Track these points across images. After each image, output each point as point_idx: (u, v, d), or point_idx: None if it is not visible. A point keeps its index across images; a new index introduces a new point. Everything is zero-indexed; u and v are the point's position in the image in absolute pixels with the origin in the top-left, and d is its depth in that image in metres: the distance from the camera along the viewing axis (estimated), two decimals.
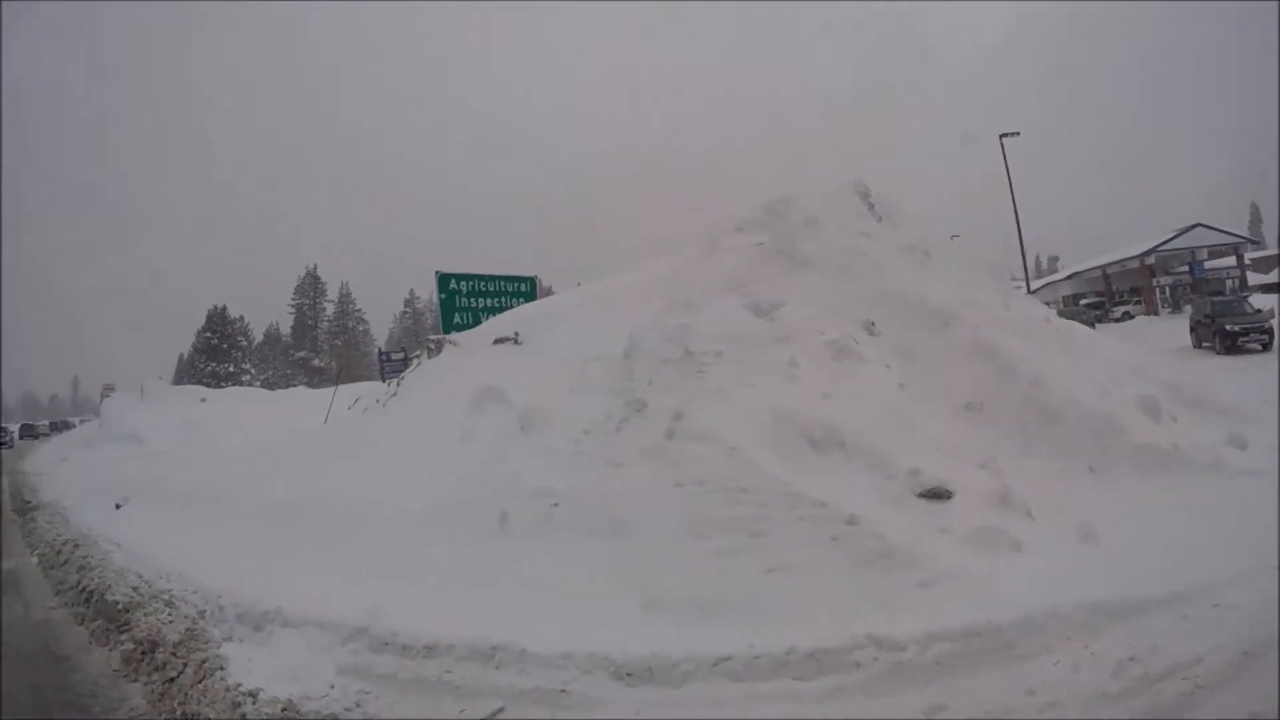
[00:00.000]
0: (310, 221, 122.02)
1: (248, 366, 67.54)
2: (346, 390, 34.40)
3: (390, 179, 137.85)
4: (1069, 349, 8.83)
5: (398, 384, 12.62)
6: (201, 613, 5.91)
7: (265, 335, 79.97)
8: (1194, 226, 45.34)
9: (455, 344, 12.71)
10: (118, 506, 11.90)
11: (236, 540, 7.73)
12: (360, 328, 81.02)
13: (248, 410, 26.43)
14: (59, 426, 53.62)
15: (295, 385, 56.07)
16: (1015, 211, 29.72)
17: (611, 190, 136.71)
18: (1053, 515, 5.52)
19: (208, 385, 39.26)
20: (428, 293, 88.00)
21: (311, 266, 77.69)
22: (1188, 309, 36.50)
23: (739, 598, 4.59)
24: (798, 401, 6.53)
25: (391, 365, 42.54)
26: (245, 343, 71.07)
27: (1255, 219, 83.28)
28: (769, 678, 3.92)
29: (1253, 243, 53.73)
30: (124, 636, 5.62)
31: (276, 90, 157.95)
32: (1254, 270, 48.06)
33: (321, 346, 76.42)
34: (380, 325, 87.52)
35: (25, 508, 13.14)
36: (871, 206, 11.22)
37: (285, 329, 79.47)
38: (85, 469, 18.31)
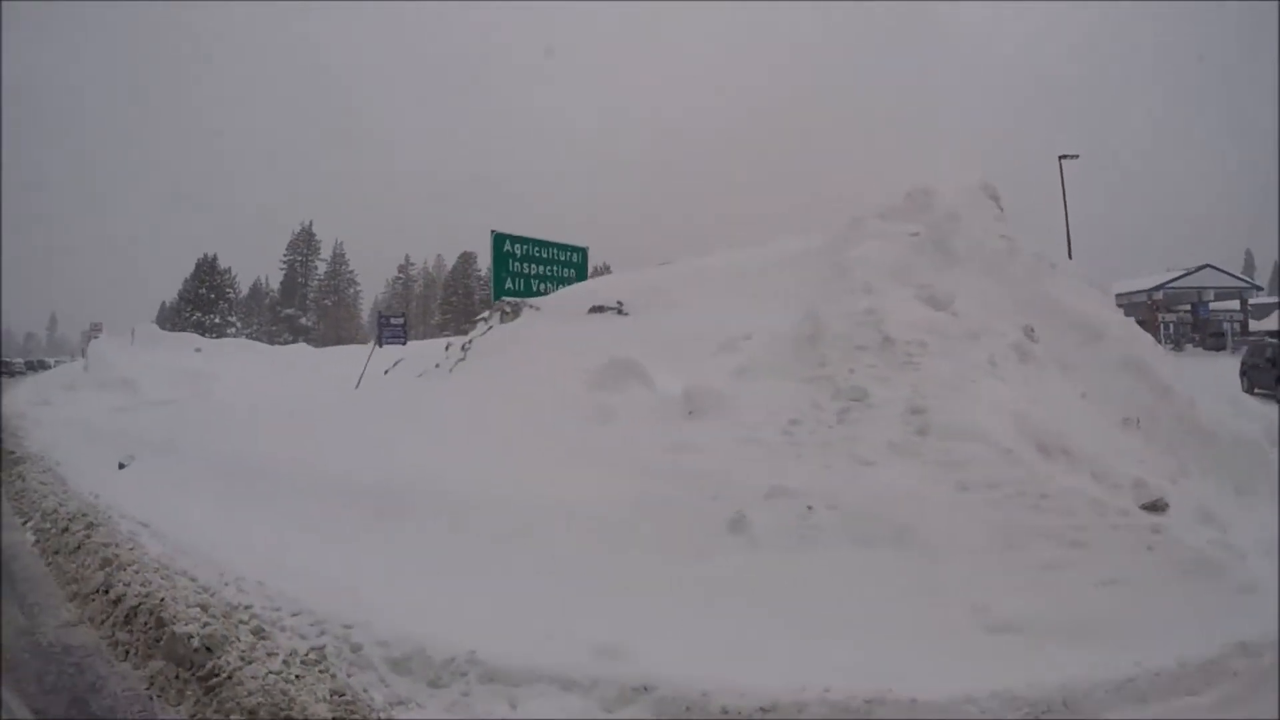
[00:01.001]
0: (308, 178, 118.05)
1: (234, 319, 64.45)
2: (343, 353, 32.20)
3: (397, 143, 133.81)
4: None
5: (463, 349, 10.60)
6: (320, 650, 3.82)
7: (251, 290, 76.87)
8: (1203, 267, 45.59)
9: (537, 309, 10.82)
10: (121, 466, 9.69)
11: (317, 534, 5.66)
12: (352, 290, 78.14)
13: (249, 365, 24.15)
14: (35, 366, 50.03)
15: (281, 341, 53.61)
16: (1068, 235, 28.20)
17: (621, 171, 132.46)
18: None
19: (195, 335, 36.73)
20: (423, 260, 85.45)
21: (307, 223, 74.61)
22: (1189, 347, 38.86)
23: (1079, 615, 3.99)
24: (1020, 403, 6.00)
25: (390, 330, 40.51)
26: (233, 294, 67.95)
27: (1249, 264, 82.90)
28: (1167, 696, 3.45)
29: (1257, 288, 53.93)
30: (225, 705, 3.36)
31: (282, 44, 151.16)
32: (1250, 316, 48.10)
33: (310, 305, 73.44)
34: (371, 289, 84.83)
35: (7, 458, 10.73)
36: (1001, 210, 10.14)
37: (273, 285, 76.45)
38: (73, 416, 15.90)
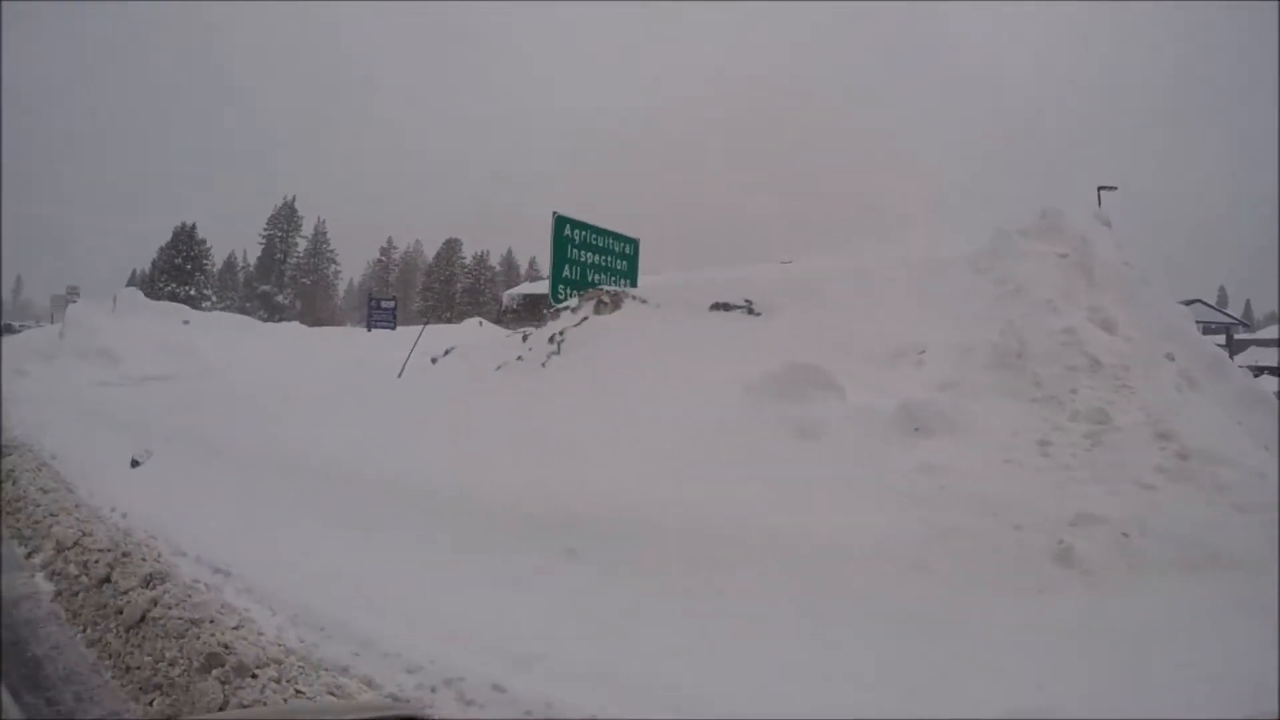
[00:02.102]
0: (290, 151, 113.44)
1: (209, 293, 61.19)
2: (337, 334, 29.76)
3: (385, 123, 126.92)
4: None
5: (556, 341, 8.75)
6: None
7: (225, 264, 73.31)
8: (1194, 302, 45.22)
9: (643, 301, 9.09)
10: (135, 463, 7.60)
11: (512, 583, 4.12)
12: (331, 269, 75.09)
13: (243, 341, 21.77)
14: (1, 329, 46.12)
15: (258, 318, 50.69)
16: None
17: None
18: None
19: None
20: (404, 244, 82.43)
21: (290, 198, 71.31)
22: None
23: None
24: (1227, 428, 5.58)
25: (380, 313, 38.30)
26: (210, 267, 64.62)
27: (1222, 299, 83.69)
28: None
29: (1244, 325, 54.06)
30: None
31: (272, 19, 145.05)
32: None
33: (287, 283, 70.29)
34: (349, 270, 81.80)
35: None
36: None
37: (250, 259, 73.09)
38: (56, 391, 13.49)
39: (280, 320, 43.35)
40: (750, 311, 8.54)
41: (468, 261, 77.95)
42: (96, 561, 4.36)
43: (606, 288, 9.75)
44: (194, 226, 61.80)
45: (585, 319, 9.08)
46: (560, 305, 10.31)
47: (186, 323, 22.74)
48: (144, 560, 4.42)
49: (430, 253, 79.97)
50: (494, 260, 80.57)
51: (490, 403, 7.54)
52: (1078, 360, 6.17)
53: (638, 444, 5.71)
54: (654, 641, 3.46)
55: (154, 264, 61.90)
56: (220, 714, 2.74)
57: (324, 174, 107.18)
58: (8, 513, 5.91)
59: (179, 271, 59.03)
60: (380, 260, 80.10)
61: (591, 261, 12.68)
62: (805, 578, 3.91)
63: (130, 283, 62.92)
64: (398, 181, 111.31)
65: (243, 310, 61.11)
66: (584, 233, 12.56)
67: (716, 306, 8.69)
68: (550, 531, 4.41)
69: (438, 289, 75.83)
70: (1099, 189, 28.74)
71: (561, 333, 8.89)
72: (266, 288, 67.48)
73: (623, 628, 3.55)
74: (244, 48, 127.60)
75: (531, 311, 54.04)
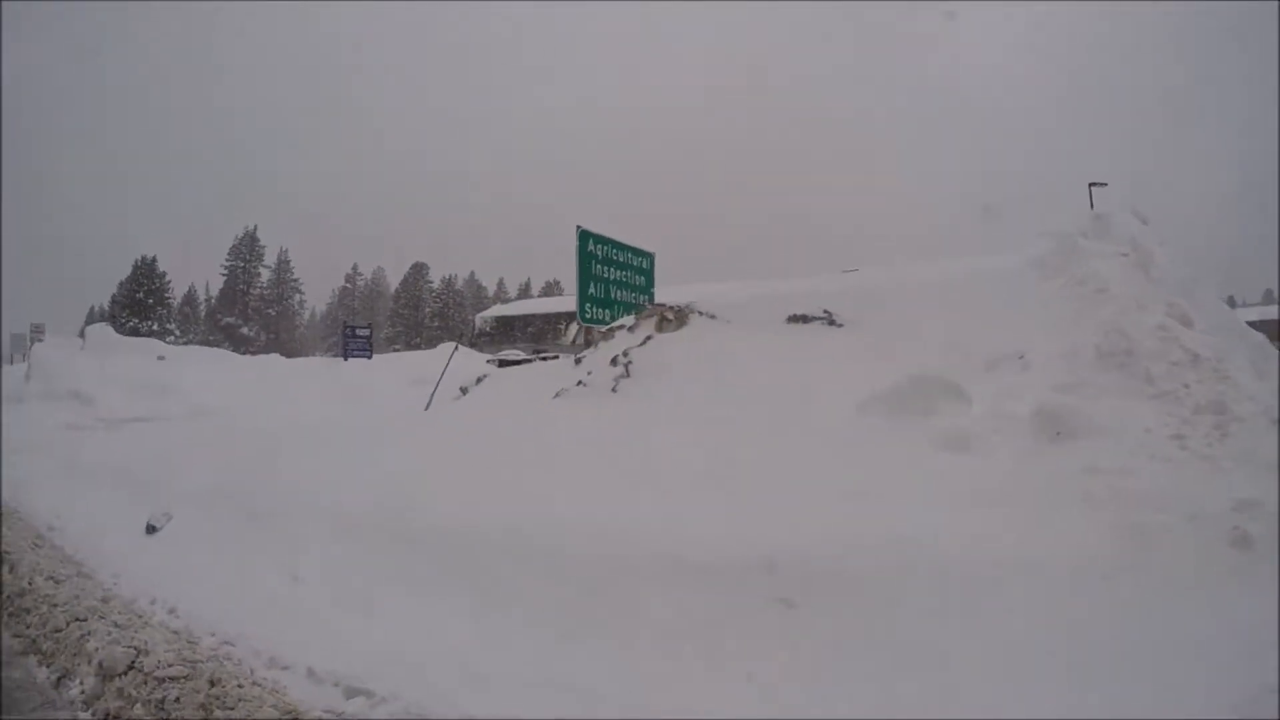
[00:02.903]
0: (248, 180, 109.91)
1: (172, 327, 58.71)
2: (317, 364, 28.27)
3: (348, 149, 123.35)
4: None
5: (620, 363, 7.79)
6: None
7: (184, 297, 70.52)
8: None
9: (711, 316, 8.22)
10: (152, 529, 6.37)
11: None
12: (296, 298, 72.85)
13: (226, 377, 20.31)
14: None
15: (223, 349, 48.65)
16: None
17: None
18: None
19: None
20: (369, 269, 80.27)
21: (251, 228, 68.97)
22: None
23: None
24: None
25: (356, 341, 36.79)
26: (171, 300, 62.08)
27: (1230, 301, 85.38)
28: None
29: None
30: None
31: (225, 34, 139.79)
32: None
33: (251, 314, 67.95)
34: (314, 299, 79.50)
35: None
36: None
37: (212, 292, 70.56)
38: (30, 437, 11.99)
39: (246, 353, 41.43)
40: (831, 323, 7.70)
41: (435, 286, 76.30)
42: (176, 699, 3.08)
43: (668, 303, 8.76)
44: (154, 259, 59.29)
45: (649, 338, 8.10)
46: (610, 325, 9.31)
47: (162, 359, 21.16)
48: (240, 686, 3.20)
49: (394, 280, 78.19)
50: (459, 284, 79.03)
51: (568, 434, 6.51)
52: (1179, 355, 6.00)
53: (779, 471, 5.01)
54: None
55: (113, 299, 59.26)
56: None
57: (286, 202, 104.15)
58: (12, 615, 4.57)
59: (140, 306, 56.44)
60: (345, 287, 78.00)
61: (614, 278, 11.86)
62: (1054, 598, 3.63)
63: (89, 319, 60.47)
64: (360, 208, 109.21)
65: (206, 343, 59.04)
66: (606, 248, 11.70)
67: (794, 319, 7.86)
68: (770, 583, 3.67)
69: (406, 315, 74.05)
70: (1090, 185, 28.39)
71: (626, 354, 7.89)
72: (230, 320, 65.08)
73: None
74: (196, 73, 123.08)
75: (504, 335, 52.80)
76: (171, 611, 4.38)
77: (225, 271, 67.97)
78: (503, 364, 29.99)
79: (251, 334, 64.88)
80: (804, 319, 7.75)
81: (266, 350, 57.00)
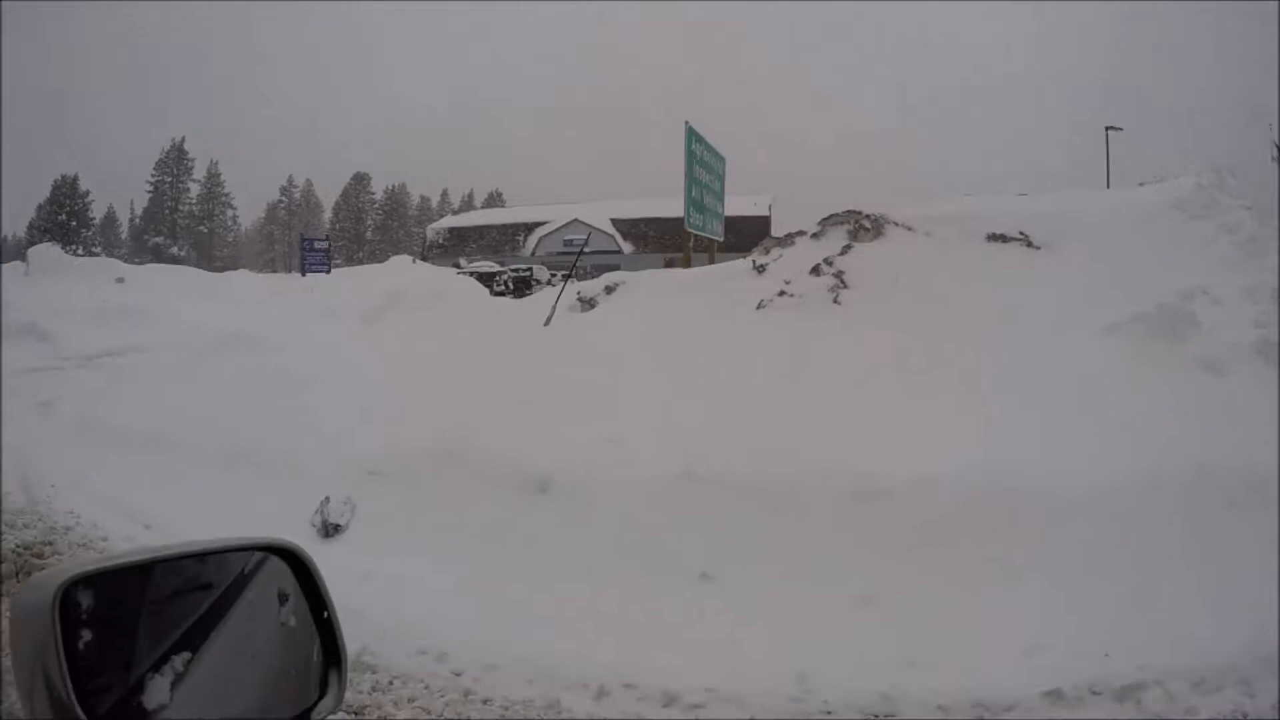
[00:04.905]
0: (178, 90, 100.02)
1: (98, 250, 53.66)
2: (289, 281, 25.53)
3: (278, 56, 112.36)
4: None
5: (831, 274, 6.53)
6: None
7: (105, 217, 64.42)
8: None
9: (909, 228, 7.08)
10: (333, 530, 4.43)
11: None
12: (229, 214, 67.60)
13: (202, 299, 17.87)
14: None
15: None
16: None
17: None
18: None
19: None
20: (304, 180, 74.54)
21: (179, 139, 62.83)
22: None
23: None
24: None
25: (314, 255, 34.15)
26: (94, 221, 56.62)
27: None
28: None
29: None
30: None
31: None
32: None
33: (181, 232, 62.75)
34: (247, 214, 74.00)
35: None
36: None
37: (137, 210, 64.69)
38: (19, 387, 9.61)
39: (229, 269, 38.15)
40: (1029, 245, 7.09)
41: (378, 197, 71.82)
42: None
43: (864, 210, 7.42)
44: (75, 178, 53.58)
45: (848, 246, 6.88)
46: (782, 237, 7.74)
47: (121, 280, 18.36)
48: None
49: (326, 194, 73.11)
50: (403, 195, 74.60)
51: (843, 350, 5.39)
52: None
53: (1079, 391, 4.74)
54: None
55: (31, 224, 53.57)
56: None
57: (214, 111, 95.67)
58: None
59: (63, 229, 51.18)
60: (281, 202, 72.67)
61: (706, 182, 10.51)
62: None
63: (7, 248, 54.57)
64: (291, 115, 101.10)
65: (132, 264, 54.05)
66: (701, 148, 10.31)
67: (994, 237, 7.11)
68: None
69: (347, 228, 69.73)
70: (1106, 129, 27.85)
71: (829, 262, 6.60)
72: (158, 239, 59.92)
73: None
74: None
75: (458, 247, 49.83)
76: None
77: (151, 188, 62.21)
78: (480, 276, 27.93)
79: (181, 253, 60.04)
80: (1003, 238, 7.09)
81: (199, 267, 52.76)
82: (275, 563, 1.27)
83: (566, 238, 45.13)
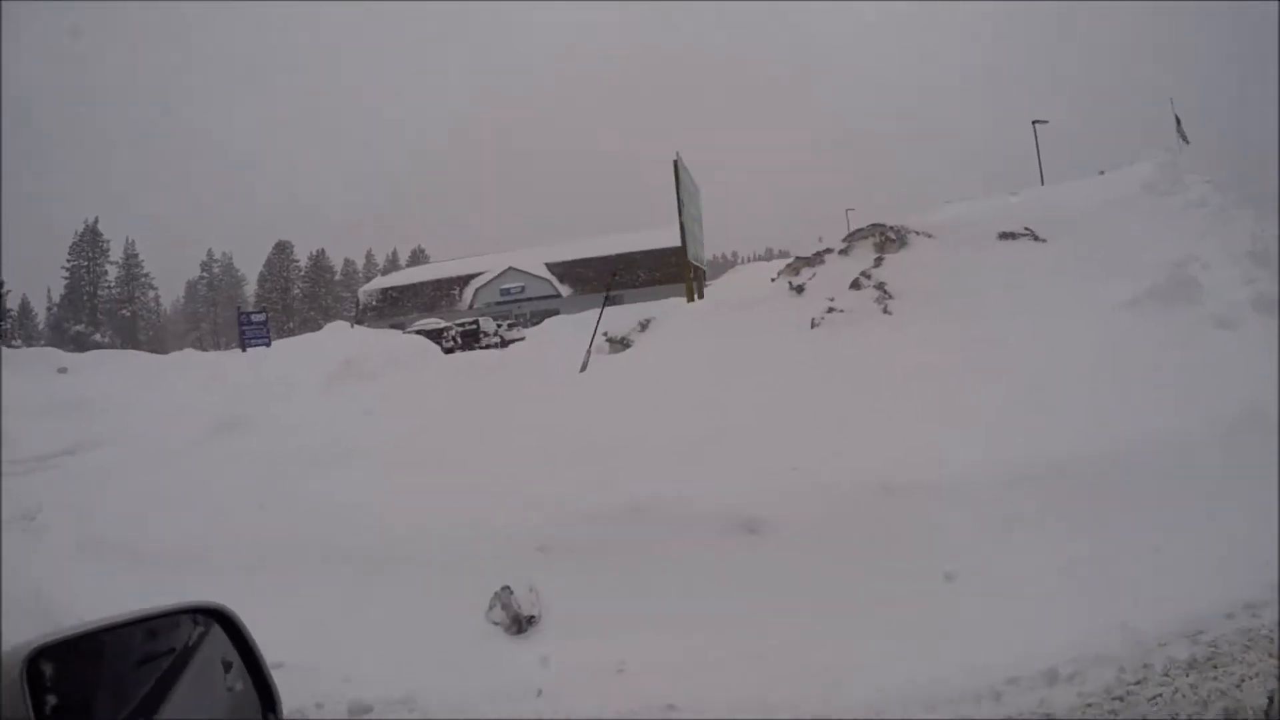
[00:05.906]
0: (90, 171, 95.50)
1: (18, 342, 50.63)
2: (231, 357, 24.44)
3: (182, 132, 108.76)
4: None
5: (872, 286, 7.06)
6: None
7: (20, 308, 60.89)
8: None
9: (928, 235, 7.27)
10: (526, 623, 3.88)
11: None
12: (150, 294, 64.79)
13: (153, 385, 16.82)
14: None
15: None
16: None
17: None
18: None
19: None
20: (222, 254, 71.85)
21: (91, 221, 60.07)
22: None
23: None
24: None
25: (253, 328, 32.73)
26: (12, 313, 53.53)
27: None
28: None
29: None
30: None
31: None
32: None
33: (103, 318, 59.85)
34: (169, 292, 71.09)
35: None
36: None
37: (52, 298, 61.40)
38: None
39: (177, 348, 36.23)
40: (1035, 238, 7.71)
41: (302, 265, 70.03)
42: None
43: (885, 223, 7.51)
44: None
45: (879, 259, 7.19)
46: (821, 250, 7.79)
47: (64, 370, 17.18)
48: None
49: (254, 264, 70.90)
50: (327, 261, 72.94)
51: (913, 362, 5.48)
52: None
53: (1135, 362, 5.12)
54: None
55: None
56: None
57: (126, 199, 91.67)
58: None
59: None
60: (202, 277, 70.11)
61: (695, 214, 10.90)
62: None
63: None
64: (204, 186, 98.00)
65: None
66: (688, 178, 10.54)
67: (1004, 235, 7.76)
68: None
69: (274, 298, 67.63)
70: (1033, 123, 29.04)
71: (868, 275, 6.83)
72: (79, 327, 56.98)
73: None
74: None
75: (393, 307, 48.67)
76: None
77: (67, 273, 59.21)
78: (428, 334, 27.32)
79: (105, 340, 57.12)
80: (1013, 236, 7.70)
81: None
82: (217, 632, 1.41)
83: (503, 286, 44.64)
